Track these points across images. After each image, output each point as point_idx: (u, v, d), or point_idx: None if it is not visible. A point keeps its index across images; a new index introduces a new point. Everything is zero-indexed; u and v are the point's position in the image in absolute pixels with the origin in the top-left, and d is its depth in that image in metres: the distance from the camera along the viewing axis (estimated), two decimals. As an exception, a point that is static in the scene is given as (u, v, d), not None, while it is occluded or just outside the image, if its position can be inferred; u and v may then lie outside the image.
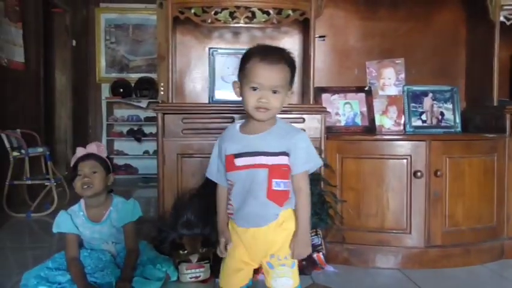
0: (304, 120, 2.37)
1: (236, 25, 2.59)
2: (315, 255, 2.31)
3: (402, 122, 2.80)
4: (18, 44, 3.98)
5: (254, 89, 1.31)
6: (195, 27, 2.68)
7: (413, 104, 2.82)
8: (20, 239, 3.12)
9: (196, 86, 2.79)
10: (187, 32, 2.75)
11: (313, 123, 2.38)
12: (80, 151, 2.10)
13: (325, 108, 2.46)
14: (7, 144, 3.66)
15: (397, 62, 2.86)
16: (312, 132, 2.38)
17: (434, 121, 2.80)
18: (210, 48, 2.76)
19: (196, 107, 2.48)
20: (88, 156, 2.07)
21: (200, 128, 2.36)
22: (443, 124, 2.80)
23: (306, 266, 2.25)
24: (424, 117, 2.80)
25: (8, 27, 3.82)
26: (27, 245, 2.94)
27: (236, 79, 1.40)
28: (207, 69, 2.75)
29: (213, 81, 2.74)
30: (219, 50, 2.75)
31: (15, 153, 3.69)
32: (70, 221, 2.07)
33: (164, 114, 2.36)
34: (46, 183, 3.91)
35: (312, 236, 2.33)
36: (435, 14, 2.86)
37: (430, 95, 2.82)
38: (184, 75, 2.78)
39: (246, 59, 1.35)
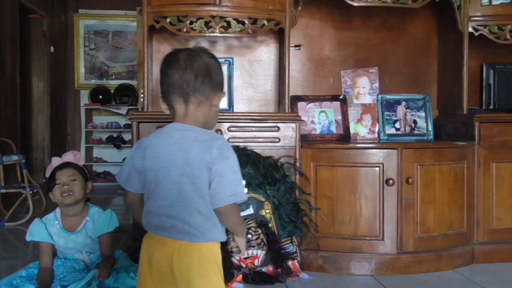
0: (278, 128, 2.40)
1: (212, 35, 2.61)
2: (290, 263, 2.33)
3: (376, 130, 2.86)
4: (-7, 50, 3.93)
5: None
6: (171, 36, 2.69)
7: (387, 112, 2.87)
8: (-7, 249, 3.07)
9: (172, 95, 2.79)
10: (164, 40, 2.76)
11: (288, 131, 2.41)
12: (56, 161, 2.09)
13: (299, 116, 2.49)
14: (-19, 153, 3.60)
15: (371, 71, 2.92)
16: (287, 140, 2.41)
17: (408, 129, 2.86)
18: (186, 57, 2.77)
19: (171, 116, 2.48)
20: (65, 165, 2.06)
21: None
22: (416, 132, 2.86)
23: (281, 274, 2.27)
24: (397, 125, 2.86)
25: (-17, 34, 3.77)
26: (1, 255, 2.89)
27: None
28: (183, 78, 2.76)
29: (189, 89, 2.75)
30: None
31: (-11, 162, 3.63)
32: (44, 229, 2.05)
33: (139, 122, 2.37)
34: (22, 192, 3.85)
35: (287, 244, 2.36)
36: (408, 24, 2.93)
37: (403, 103, 2.88)
38: (161, 84, 2.78)
39: (221, 67, 1.32)
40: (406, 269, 2.33)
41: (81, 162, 2.14)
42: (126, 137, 5.98)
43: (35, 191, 3.91)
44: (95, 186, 5.88)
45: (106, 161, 6.00)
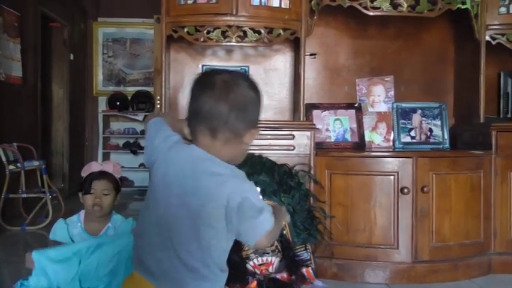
0: (293, 136, 2.42)
1: (228, 44, 2.66)
2: (304, 270, 2.34)
3: (391, 138, 2.86)
4: (16, 58, 4.04)
5: None
6: (188, 45, 2.74)
7: (403, 121, 2.87)
8: (15, 252, 3.13)
9: (189, 102, 2.84)
10: (181, 49, 2.82)
11: (302, 139, 2.43)
12: (95, 166, 2.08)
13: (314, 124, 2.51)
14: (3, 158, 3.69)
15: (386, 79, 2.92)
16: (302, 148, 2.43)
17: (423, 137, 2.85)
18: (203, 65, 2.82)
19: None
20: (103, 175, 2.05)
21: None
22: (431, 140, 2.85)
23: (295, 281, 2.28)
24: (413, 133, 2.85)
25: (7, 43, 3.88)
26: (22, 258, 2.96)
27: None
28: (200, 86, 2.80)
29: (206, 97, 2.80)
30: (212, 68, 2.82)
31: (11, 167, 3.73)
32: (66, 230, 2.10)
33: (157, 130, 2.41)
34: (41, 197, 3.93)
35: (301, 251, 2.37)
36: (424, 33, 2.93)
37: (419, 111, 2.87)
38: (178, 91, 2.84)
39: (260, 100, 1.13)
40: (422, 278, 2.32)
41: (119, 174, 2.14)
42: (143, 143, 6.06)
43: (54, 195, 3.99)
44: (112, 191, 5.97)
45: (123, 167, 6.01)
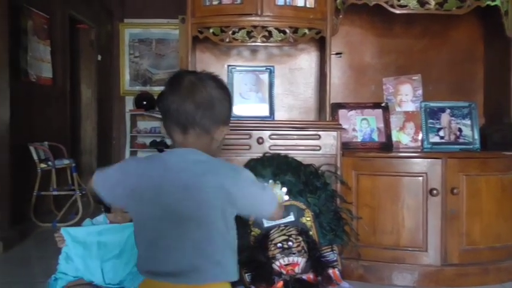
0: (319, 137, 2.41)
1: (253, 44, 2.66)
2: (330, 271, 2.33)
3: (420, 138, 2.81)
4: (46, 60, 4.14)
5: None
6: (213, 45, 2.76)
7: (431, 120, 2.81)
8: (46, 248, 3.22)
9: (215, 103, 2.85)
10: (207, 50, 2.83)
11: (328, 140, 2.41)
12: None
13: (340, 125, 2.50)
14: (35, 157, 3.80)
15: (414, 78, 2.87)
16: (328, 148, 2.41)
17: (452, 137, 2.79)
18: (228, 66, 2.83)
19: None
20: None
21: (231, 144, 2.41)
22: (461, 140, 2.78)
23: (321, 282, 2.28)
24: (441, 133, 2.80)
25: (37, 45, 3.99)
26: (52, 254, 3.05)
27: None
28: (225, 86, 2.82)
29: (232, 97, 2.81)
30: (237, 68, 2.83)
31: (42, 165, 3.84)
32: None
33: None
34: (71, 194, 4.04)
35: (327, 252, 2.36)
36: (452, 31, 2.86)
37: (448, 111, 2.81)
38: (204, 92, 2.85)
39: (229, 100, 1.22)
40: (450, 281, 2.28)
41: None
42: (169, 141, 6.12)
43: (83, 193, 4.09)
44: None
45: (149, 165, 6.17)
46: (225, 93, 1.16)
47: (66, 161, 4.08)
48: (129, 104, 6.14)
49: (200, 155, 1.12)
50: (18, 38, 3.70)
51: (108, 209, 2.09)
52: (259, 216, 1.18)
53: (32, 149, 3.79)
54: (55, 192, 3.96)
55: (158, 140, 6.08)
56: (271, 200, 1.18)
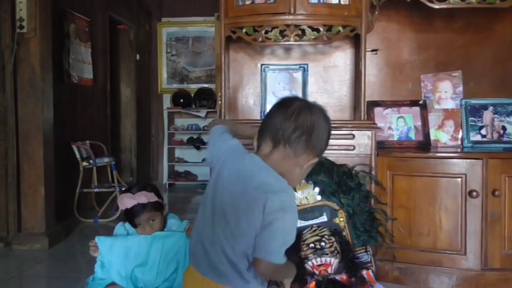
0: (353, 136, 2.37)
1: (287, 42, 2.65)
2: (364, 273, 2.29)
3: (460, 136, 2.71)
4: (87, 61, 4.29)
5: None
6: (247, 45, 2.76)
7: (472, 118, 2.71)
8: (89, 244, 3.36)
9: (248, 101, 2.87)
10: (240, 49, 2.84)
11: (363, 139, 2.37)
12: (129, 202, 2.01)
13: (375, 124, 2.44)
14: (77, 155, 3.95)
15: (454, 74, 2.77)
16: (362, 148, 2.37)
17: (495, 136, 2.68)
18: (262, 65, 2.83)
19: (247, 123, 2.55)
20: (142, 208, 2.01)
21: (251, 144, 2.42)
22: (505, 139, 2.66)
23: (355, 283, 2.25)
24: (483, 131, 2.69)
25: (79, 47, 4.14)
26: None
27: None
28: (259, 85, 2.83)
29: (264, 96, 2.81)
30: (271, 66, 2.83)
31: (84, 164, 3.99)
32: (124, 231, 2.21)
33: (216, 131, 2.46)
34: (112, 191, 4.17)
35: (361, 253, 2.32)
36: (495, 25, 2.73)
37: (491, 108, 2.70)
38: (237, 91, 2.87)
39: (328, 135, 1.23)
40: (491, 286, 2.20)
41: (154, 198, 2.12)
42: (206, 138, 6.21)
43: (123, 189, 4.21)
44: (176, 185, 6.20)
45: (187, 161, 6.29)
46: (327, 127, 1.20)
47: (106, 159, 4.22)
48: (167, 101, 6.26)
49: (270, 177, 1.13)
50: (61, 41, 3.84)
51: (135, 225, 2.10)
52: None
53: (74, 148, 3.95)
54: (96, 190, 4.11)
55: (195, 137, 6.17)
56: (274, 252, 1.11)
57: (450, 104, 2.76)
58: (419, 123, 2.72)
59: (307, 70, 2.81)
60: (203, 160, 6.09)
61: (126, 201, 2.03)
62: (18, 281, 2.61)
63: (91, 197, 4.29)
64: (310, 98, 2.79)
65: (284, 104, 1.18)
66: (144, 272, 2.04)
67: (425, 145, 2.66)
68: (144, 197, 2.03)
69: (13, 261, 2.92)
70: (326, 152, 2.32)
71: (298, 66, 2.82)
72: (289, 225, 1.11)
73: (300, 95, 2.79)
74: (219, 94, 4.50)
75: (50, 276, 2.72)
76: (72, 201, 3.95)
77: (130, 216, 2.04)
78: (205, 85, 6.17)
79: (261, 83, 2.82)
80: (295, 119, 1.14)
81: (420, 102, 2.75)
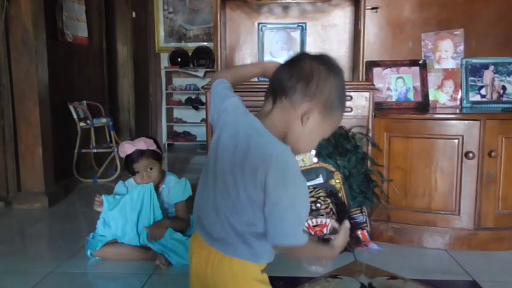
0: (351, 98, 2.34)
1: (284, 1, 2.57)
2: (359, 232, 2.34)
3: (459, 97, 2.68)
4: (81, 19, 4.18)
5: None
6: (244, 3, 2.68)
7: (472, 78, 2.67)
8: (88, 203, 3.39)
9: (245, 62, 2.82)
10: (237, 7, 2.76)
11: (360, 101, 2.34)
12: (129, 148, 2.15)
13: (373, 85, 2.41)
14: (75, 116, 3.93)
15: (455, 33, 2.70)
16: (359, 110, 2.35)
17: (495, 96, 2.65)
18: (259, 24, 2.76)
19: (243, 85, 2.51)
20: (140, 155, 2.14)
21: (248, 106, 2.39)
22: (504, 99, 2.64)
23: (350, 243, 2.29)
24: (483, 91, 2.66)
25: (72, 4, 4.02)
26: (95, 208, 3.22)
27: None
28: (256, 45, 2.77)
29: (262, 56, 2.76)
30: (268, 25, 2.76)
31: (82, 124, 3.97)
32: (126, 192, 2.25)
33: (212, 92, 2.43)
34: (111, 151, 4.18)
35: (356, 214, 2.36)
36: (501, -20, 2.64)
37: (492, 67, 2.66)
38: (234, 51, 2.82)
39: (344, 104, 1.07)
40: (484, 245, 2.23)
41: (153, 146, 2.18)
42: (204, 98, 6.16)
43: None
44: (175, 145, 6.21)
45: (185, 122, 6.27)
46: (334, 76, 1.02)
47: (103, 120, 4.20)
48: (165, 61, 6.17)
49: (268, 145, 0.98)
50: (53, -2, 3.73)
51: (133, 172, 2.15)
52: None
53: (71, 108, 3.92)
54: (94, 150, 4.11)
55: (193, 97, 6.12)
56: (288, 233, 0.97)
57: (450, 64, 2.71)
58: (418, 83, 2.68)
59: (306, 29, 2.74)
60: (202, 120, 6.08)
61: (126, 147, 2.13)
62: (20, 238, 2.66)
63: (90, 157, 4.30)
64: (308, 58, 2.75)
65: (290, 59, 1.06)
66: (143, 221, 2.10)
67: (423, 106, 2.63)
68: (143, 143, 2.13)
69: (14, 219, 2.97)
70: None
71: (296, 25, 2.75)
72: (297, 198, 0.96)
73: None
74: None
75: (51, 235, 2.77)
76: (71, 162, 3.97)
77: (130, 162, 2.12)
78: (204, 43, 6.05)
79: (258, 43, 2.76)
80: (292, 67, 1.02)
81: (420, 62, 2.70)
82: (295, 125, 1.01)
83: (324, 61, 1.03)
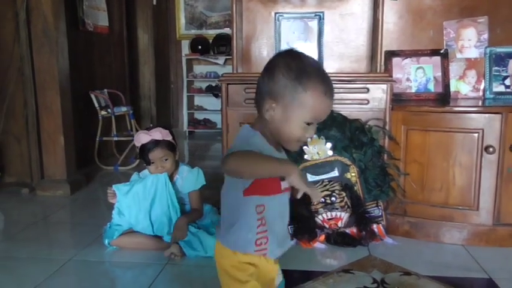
0: (368, 90, 2.30)
1: (301, -11, 2.52)
2: (374, 226, 2.31)
3: (482, 87, 2.60)
4: (102, 8, 4.21)
5: (309, 123, 1.03)
6: (260, -8, 2.65)
7: (496, 68, 2.58)
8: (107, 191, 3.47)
9: (262, 52, 2.79)
10: (253, -3, 2.73)
11: (377, 93, 2.30)
12: (144, 138, 2.17)
13: (391, 77, 2.35)
14: (96, 104, 4.00)
15: (479, 20, 2.61)
16: (376, 102, 2.30)
17: (520, 87, 2.55)
18: (276, 13, 2.72)
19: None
20: (156, 145, 2.16)
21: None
22: (530, 90, 2.54)
23: (365, 237, 2.27)
24: (507, 82, 2.57)
25: (92, -7, 4.05)
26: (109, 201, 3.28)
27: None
28: (272, 35, 2.74)
29: (278, 47, 2.73)
30: (285, 15, 2.72)
31: (103, 112, 4.04)
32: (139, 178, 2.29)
33: (228, 84, 2.42)
34: (131, 139, 4.24)
35: (372, 207, 2.33)
36: (529, -35, 2.52)
37: (517, 57, 2.55)
38: (250, 41, 2.79)
39: (305, 83, 1.00)
40: (502, 241, 2.18)
41: (169, 136, 2.21)
42: (224, 85, 6.14)
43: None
44: (196, 132, 6.25)
45: (206, 109, 6.30)
46: (279, 62, 1.02)
47: (124, 109, 4.25)
48: (185, 48, 6.17)
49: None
50: (73, -13, 3.77)
51: (148, 162, 2.18)
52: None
53: (93, 96, 3.98)
54: (115, 138, 4.18)
55: (214, 84, 6.12)
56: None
57: (473, 53, 2.62)
58: (439, 73, 2.61)
59: (323, 18, 2.69)
60: (222, 107, 6.07)
61: (142, 137, 2.17)
62: (43, 225, 2.74)
63: (111, 145, 4.38)
64: (326, 48, 2.71)
65: (329, 88, 1.07)
66: (156, 210, 2.14)
67: (444, 97, 2.56)
68: (159, 133, 2.16)
69: (38, 206, 3.06)
70: (339, 106, 2.29)
71: (313, 15, 2.70)
72: (237, 139, 1.09)
73: (315, 44, 2.70)
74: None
75: (72, 222, 2.85)
76: (92, 150, 4.05)
77: (145, 152, 2.15)
78: (225, 30, 6.02)
79: (275, 33, 2.73)
80: (265, 66, 1.07)
81: (441, 51, 2.62)
82: (268, 124, 1.06)
83: (278, 54, 1.07)
